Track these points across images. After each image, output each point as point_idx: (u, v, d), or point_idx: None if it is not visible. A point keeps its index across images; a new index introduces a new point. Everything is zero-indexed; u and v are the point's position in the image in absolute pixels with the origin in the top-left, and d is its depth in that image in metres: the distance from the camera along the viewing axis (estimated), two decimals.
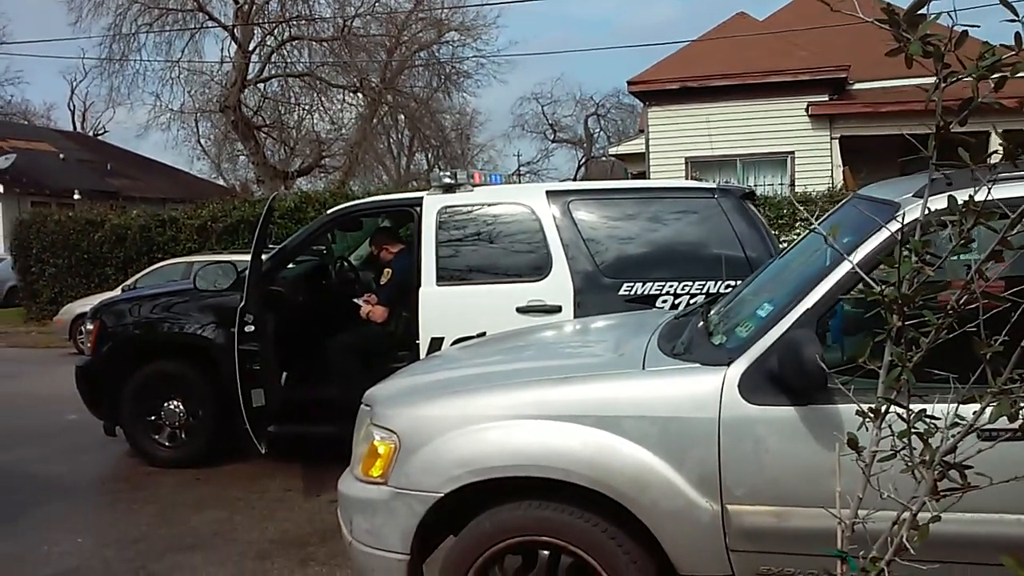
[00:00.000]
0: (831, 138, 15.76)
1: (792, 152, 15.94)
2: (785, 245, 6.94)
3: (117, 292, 12.56)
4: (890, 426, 1.81)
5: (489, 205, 6.24)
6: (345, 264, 8.17)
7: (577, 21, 68.92)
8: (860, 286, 2.81)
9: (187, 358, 6.76)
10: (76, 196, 25.16)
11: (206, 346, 6.56)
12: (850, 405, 2.59)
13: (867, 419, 1.80)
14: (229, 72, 28.32)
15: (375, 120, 32.93)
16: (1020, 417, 1.64)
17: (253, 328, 5.85)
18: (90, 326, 7.15)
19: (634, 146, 21.00)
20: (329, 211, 7.07)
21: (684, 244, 5.98)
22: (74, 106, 44.89)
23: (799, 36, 16.54)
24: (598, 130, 46.68)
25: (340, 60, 28.87)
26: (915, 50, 1.63)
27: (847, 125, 15.72)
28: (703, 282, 5.67)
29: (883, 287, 1.75)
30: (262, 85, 29.73)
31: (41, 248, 18.05)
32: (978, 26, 1.63)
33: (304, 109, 30.58)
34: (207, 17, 27.88)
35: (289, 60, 29.18)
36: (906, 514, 1.74)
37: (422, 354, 5.80)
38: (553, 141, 47.59)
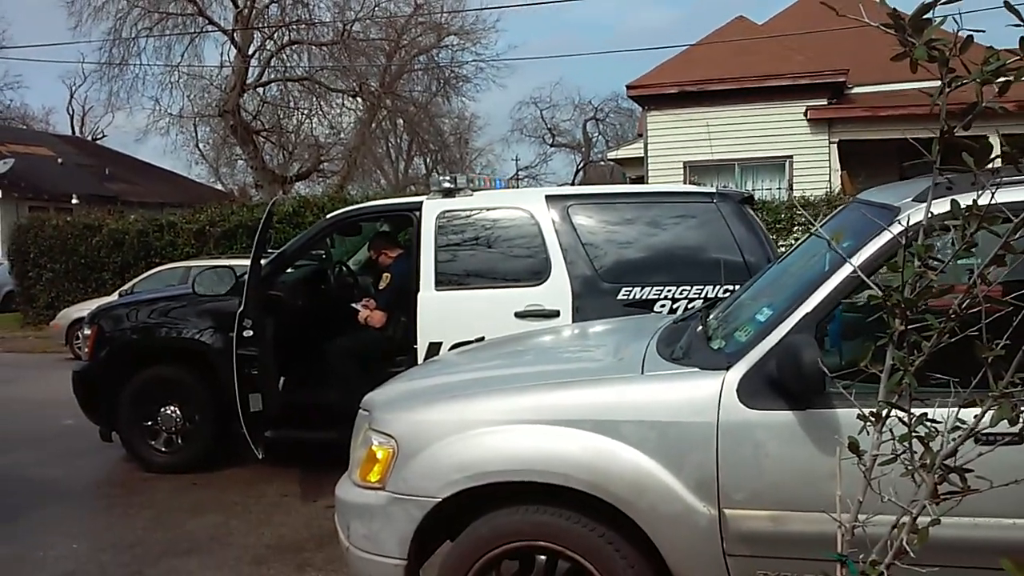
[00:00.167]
0: (829, 142, 15.77)
1: (790, 156, 15.95)
2: (783, 249, 6.94)
3: (114, 297, 12.53)
4: (891, 430, 1.80)
5: (488, 210, 6.23)
6: (344, 269, 8.17)
7: (576, 25, 69.10)
8: (864, 289, 2.83)
9: (184, 363, 6.75)
10: (74, 201, 25.13)
11: (204, 351, 6.55)
12: (848, 409, 2.59)
13: (868, 423, 1.79)
14: (228, 76, 28.35)
15: (374, 124, 32.95)
16: (1021, 421, 1.63)
17: (251, 333, 5.84)
18: (87, 331, 7.14)
19: (633, 150, 21.00)
20: (328, 216, 7.06)
21: (683, 248, 5.97)
22: (73, 110, 45.00)
23: (798, 40, 16.56)
24: (597, 134, 46.79)
25: (339, 64, 28.88)
26: (920, 55, 1.63)
27: (845, 129, 15.73)
28: (701, 286, 5.67)
29: (887, 291, 1.74)
30: (261, 89, 29.75)
31: (39, 253, 18.04)
32: (983, 31, 1.63)
33: (303, 113, 30.63)
34: (207, 21, 27.91)
35: (288, 64, 29.22)
36: (905, 518, 1.73)
37: (420, 359, 5.79)
38: (552, 145, 47.68)
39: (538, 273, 5.90)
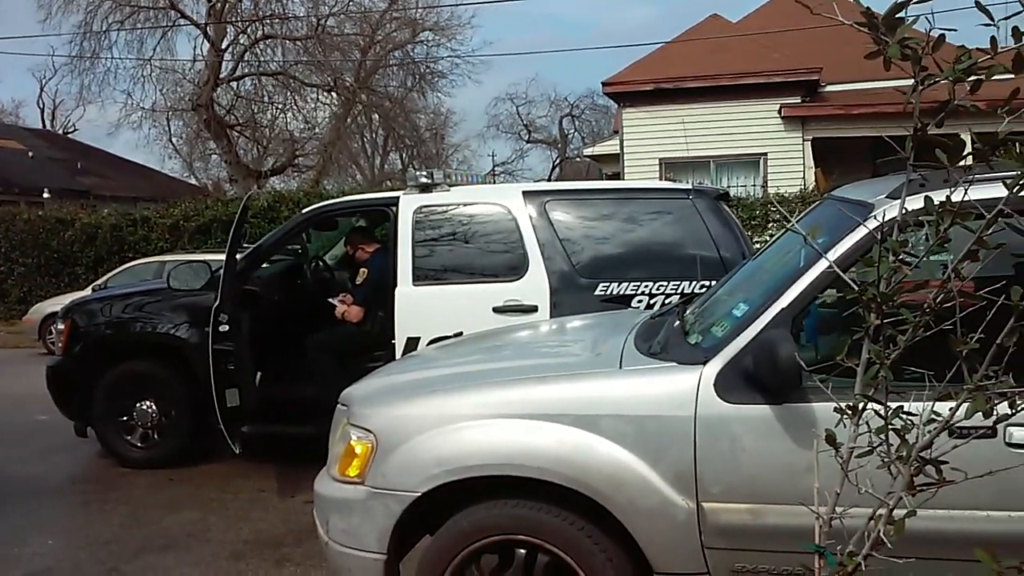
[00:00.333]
0: (803, 139, 15.90)
1: (765, 153, 16.07)
2: (758, 246, 7.00)
3: (88, 292, 12.43)
4: (867, 423, 1.84)
5: (465, 205, 6.23)
6: (320, 264, 8.14)
7: (552, 22, 69.07)
8: (839, 284, 2.87)
9: (160, 358, 6.71)
10: (45, 195, 24.85)
11: (179, 346, 6.51)
12: (824, 403, 2.62)
13: (845, 416, 1.83)
14: (201, 70, 28.11)
15: (349, 119, 32.81)
16: (994, 414, 1.66)
17: (227, 327, 5.81)
18: (61, 326, 7.08)
19: (608, 147, 21.07)
20: (304, 210, 7.04)
21: (659, 244, 6.01)
22: (43, 104, 44.47)
23: (772, 38, 16.68)
24: (572, 131, 46.81)
25: (314, 59, 28.74)
26: (893, 53, 1.65)
27: (819, 127, 15.87)
28: (678, 282, 5.71)
29: (862, 286, 1.78)
30: (235, 84, 29.54)
31: (10, 247, 17.85)
32: (955, 30, 1.66)
33: (277, 108, 30.43)
34: (179, 15, 27.67)
35: (262, 59, 29.00)
36: (882, 509, 1.76)
37: (398, 354, 5.79)
38: (528, 142, 47.66)
39: (515, 268, 5.92)
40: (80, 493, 6.32)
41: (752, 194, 15.16)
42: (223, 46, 28.01)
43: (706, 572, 2.94)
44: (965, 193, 1.69)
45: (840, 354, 1.87)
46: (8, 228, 17.91)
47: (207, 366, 5.82)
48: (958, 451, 1.84)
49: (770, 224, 13.68)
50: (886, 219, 2.59)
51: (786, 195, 13.63)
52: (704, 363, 2.95)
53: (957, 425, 1.73)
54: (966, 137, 1.71)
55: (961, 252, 1.73)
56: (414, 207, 6.17)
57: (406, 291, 5.99)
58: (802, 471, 2.69)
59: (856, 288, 1.78)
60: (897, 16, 1.67)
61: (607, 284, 5.77)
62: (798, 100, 16.00)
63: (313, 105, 31.01)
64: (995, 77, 1.64)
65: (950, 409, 1.74)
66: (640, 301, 5.70)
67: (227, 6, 27.59)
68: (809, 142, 15.85)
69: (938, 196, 1.75)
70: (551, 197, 6.17)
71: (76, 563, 4.85)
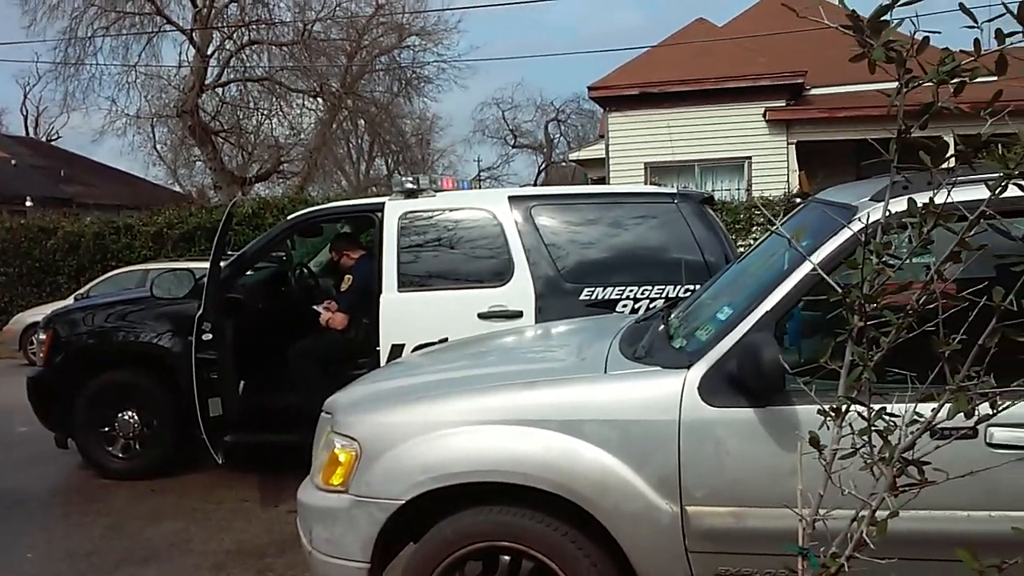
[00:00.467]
0: (788, 143, 15.95)
1: (749, 157, 16.11)
2: (743, 249, 7.01)
3: (70, 301, 12.34)
4: (851, 425, 1.83)
5: (451, 211, 6.22)
6: (305, 271, 8.10)
7: (538, 27, 69.23)
8: (822, 287, 2.87)
9: (142, 367, 6.65)
10: (28, 203, 24.73)
11: (162, 355, 6.46)
12: (807, 406, 2.62)
13: (828, 418, 1.82)
14: (187, 77, 28.02)
15: (335, 125, 32.75)
16: (976, 415, 1.66)
17: (211, 336, 5.78)
18: (43, 336, 7.01)
19: (594, 151, 21.10)
20: (289, 217, 7.02)
21: (644, 249, 6.01)
22: (27, 111, 44.18)
23: (757, 42, 16.74)
24: (558, 135, 46.91)
25: (300, 65, 28.68)
26: (878, 56, 1.65)
27: (803, 130, 15.92)
28: (663, 286, 5.71)
29: (846, 288, 1.77)
30: (220, 90, 29.45)
31: None
32: (939, 32, 1.66)
33: (263, 114, 30.34)
34: (165, 21, 27.57)
35: (248, 64, 28.94)
36: (865, 511, 1.75)
37: (383, 361, 5.76)
38: (513, 146, 47.74)
39: (501, 274, 5.90)
40: (61, 505, 6.26)
41: (737, 198, 15.20)
42: (209, 52, 27.95)
43: None
44: (948, 195, 1.68)
45: (824, 356, 1.86)
46: None
47: (190, 375, 5.78)
48: (939, 452, 1.84)
49: (754, 228, 13.71)
50: (870, 221, 2.60)
51: (771, 198, 13.66)
52: (688, 367, 2.94)
53: (939, 426, 1.72)
54: (949, 139, 1.70)
55: (944, 254, 1.72)
56: (399, 213, 6.15)
57: (391, 298, 5.97)
58: (786, 474, 2.69)
59: (840, 290, 1.77)
60: (882, 19, 1.67)
61: (592, 289, 5.76)
62: (783, 103, 16.05)
63: (299, 111, 31.01)
64: (978, 79, 1.64)
65: (932, 410, 1.74)
66: (625, 306, 5.70)
67: (213, 11, 27.52)
68: (793, 145, 15.91)
69: (921, 198, 1.75)
70: (537, 202, 6.16)
71: (56, 574, 4.79)
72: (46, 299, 16.05)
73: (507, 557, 3.09)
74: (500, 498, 3.07)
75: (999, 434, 2.55)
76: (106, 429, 6.63)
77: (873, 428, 1.74)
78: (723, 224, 6.65)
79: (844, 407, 1.79)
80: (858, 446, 1.78)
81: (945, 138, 1.69)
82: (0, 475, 6.89)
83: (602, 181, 17.60)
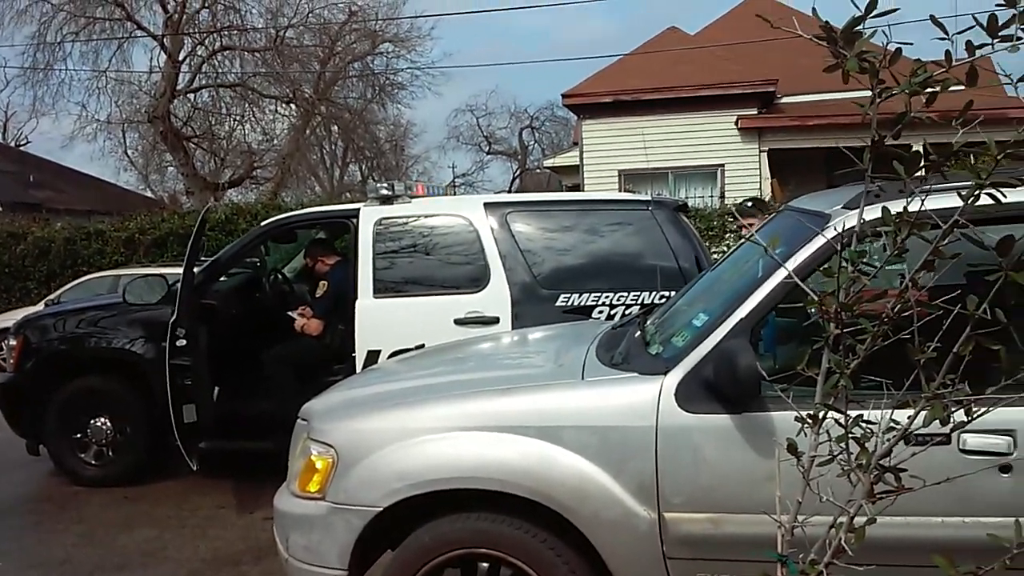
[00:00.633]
0: (760, 151, 16.09)
1: (722, 165, 16.24)
2: (716, 256, 7.07)
3: (40, 307, 12.20)
4: (828, 431, 1.85)
5: (426, 217, 6.22)
6: (279, 276, 8.07)
7: (511, 34, 69.28)
8: (797, 294, 2.90)
9: (115, 373, 6.60)
10: None
11: (135, 361, 6.42)
12: (783, 412, 2.65)
13: (805, 425, 1.84)
14: (158, 82, 27.74)
15: (308, 131, 32.58)
16: (951, 421, 1.69)
17: (185, 342, 5.74)
18: (12, 342, 6.92)
19: (568, 158, 21.17)
20: (263, 223, 6.99)
21: (620, 255, 6.05)
22: None
23: (729, 51, 16.88)
24: (533, 142, 46.90)
25: (272, 71, 28.53)
26: (852, 66, 1.68)
27: (775, 138, 16.07)
28: (638, 293, 5.74)
29: (822, 295, 1.79)
30: (192, 95, 29.18)
31: None
32: (911, 44, 1.69)
33: (235, 120, 30.08)
34: (135, 26, 27.30)
35: (220, 70, 28.67)
36: (843, 517, 1.77)
37: (359, 367, 5.75)
38: (488, 153, 47.65)
39: (477, 280, 5.91)
40: (32, 513, 6.18)
41: (710, 205, 15.30)
42: (180, 58, 27.69)
43: None
44: (922, 204, 1.71)
45: (801, 364, 1.88)
46: None
47: (163, 381, 5.74)
48: (914, 458, 1.86)
49: (727, 235, 13.80)
50: (844, 229, 2.64)
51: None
52: (665, 373, 2.96)
53: (915, 432, 1.75)
54: (919, 147, 1.74)
55: (917, 262, 1.75)
56: (375, 219, 6.15)
57: (367, 304, 5.96)
58: (762, 480, 2.72)
59: (816, 298, 1.80)
60: (855, 30, 1.70)
61: (568, 295, 5.79)
62: (755, 112, 16.20)
63: (271, 117, 30.75)
64: (951, 89, 1.67)
65: (908, 417, 1.76)
66: (601, 312, 5.73)
67: (184, 17, 27.31)
68: (766, 153, 16.05)
69: (895, 206, 1.78)
70: (512, 208, 6.18)
71: None
72: (16, 305, 15.84)
73: (486, 564, 3.10)
74: (478, 505, 3.07)
75: (972, 440, 2.58)
76: (79, 436, 6.58)
77: (850, 435, 1.76)
78: (697, 231, 6.70)
79: (821, 414, 1.81)
80: (835, 453, 1.80)
81: (915, 147, 1.72)
82: None
83: (577, 188, 17.67)
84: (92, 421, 6.56)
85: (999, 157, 1.64)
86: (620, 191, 15.13)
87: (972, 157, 1.68)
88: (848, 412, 1.78)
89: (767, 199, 14.50)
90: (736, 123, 16.00)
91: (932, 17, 1.71)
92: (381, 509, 3.10)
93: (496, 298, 5.82)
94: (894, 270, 1.84)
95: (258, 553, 5.01)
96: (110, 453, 6.61)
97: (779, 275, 2.85)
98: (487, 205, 6.16)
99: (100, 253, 16.67)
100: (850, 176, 2.93)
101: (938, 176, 1.76)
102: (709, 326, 3.02)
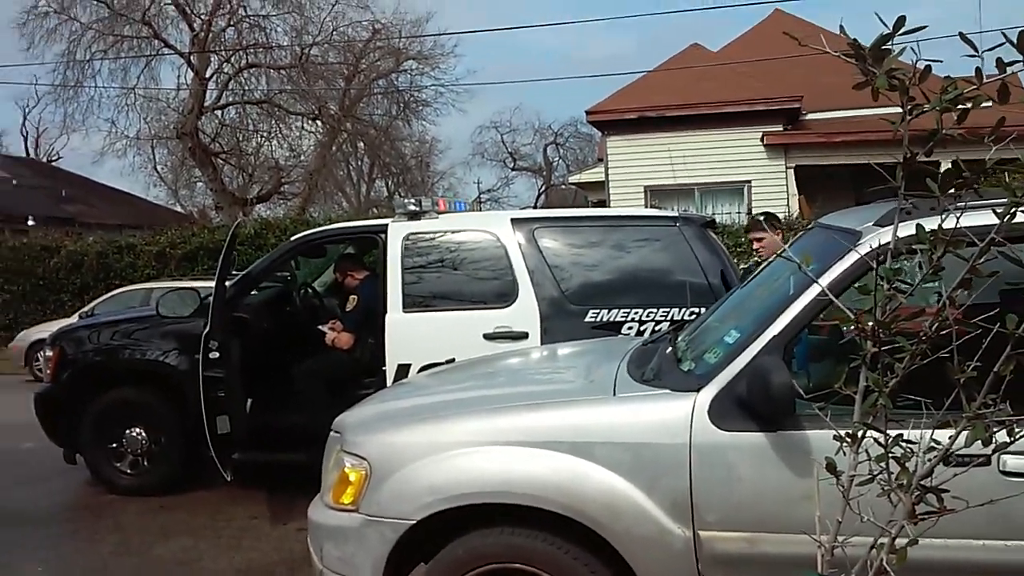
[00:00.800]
0: (786, 167, 16.04)
1: (749, 181, 16.19)
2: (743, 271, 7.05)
3: (75, 319, 12.37)
4: (867, 451, 1.85)
5: (454, 232, 6.27)
6: (309, 291, 8.14)
7: (534, 52, 69.53)
8: (830, 311, 2.90)
9: (149, 385, 6.68)
10: (30, 222, 24.75)
11: (169, 373, 6.50)
12: (818, 431, 2.64)
13: (844, 444, 1.83)
14: (186, 99, 28.07)
15: (334, 147, 32.82)
16: (994, 441, 1.68)
17: (218, 354, 5.80)
18: (49, 353, 7.05)
19: (594, 174, 21.18)
20: (293, 238, 7.06)
21: (648, 271, 6.05)
22: (27, 132, 44.11)
23: (753, 67, 16.85)
24: (557, 158, 46.95)
25: (298, 88, 28.78)
26: (881, 83, 1.69)
27: (801, 154, 16.01)
28: (667, 309, 5.74)
29: (859, 313, 1.80)
30: (220, 112, 29.50)
31: None
32: (941, 61, 1.70)
33: (262, 136, 30.36)
34: (163, 44, 27.67)
35: (247, 87, 29.00)
36: (884, 538, 1.76)
37: (388, 381, 5.78)
38: (513, 169, 47.76)
39: (505, 295, 5.94)
40: (70, 521, 6.25)
41: (737, 221, 15.25)
42: (207, 75, 28.01)
43: None
44: (958, 221, 1.72)
45: (837, 382, 1.88)
46: None
47: (197, 393, 5.81)
48: (954, 479, 1.84)
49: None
50: (879, 246, 2.64)
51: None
52: (697, 390, 2.96)
53: (956, 453, 1.74)
54: (947, 165, 1.75)
55: (952, 279, 1.75)
56: (403, 234, 6.20)
57: (396, 318, 6.01)
58: (798, 498, 2.69)
59: (852, 316, 1.81)
60: (883, 47, 1.71)
61: (597, 311, 5.80)
62: (780, 128, 16.15)
63: (298, 133, 31.03)
64: (981, 106, 1.68)
65: (950, 437, 1.75)
66: (630, 328, 5.74)
67: (211, 35, 27.64)
68: (792, 169, 15.99)
69: (928, 223, 1.78)
70: (540, 224, 6.21)
71: None
72: (50, 316, 16.09)
73: None
74: (510, 519, 3.08)
75: (1012, 462, 2.54)
76: (114, 445, 6.65)
77: (890, 455, 1.76)
78: (724, 247, 6.71)
79: (860, 433, 1.80)
80: (875, 473, 1.78)
81: (943, 164, 1.74)
82: (9, 491, 6.89)
83: (602, 204, 17.67)
84: (127, 431, 6.63)
85: None
86: (646, 207, 15.13)
87: (1007, 175, 1.69)
88: (888, 431, 1.79)
89: (794, 215, 14.49)
90: (762, 139, 15.96)
91: (961, 34, 1.72)
92: (414, 522, 3.11)
93: (525, 313, 5.84)
94: (930, 288, 1.84)
95: (291, 564, 5.03)
96: (145, 463, 6.68)
97: (812, 292, 2.85)
98: (514, 221, 6.20)
99: (132, 266, 16.90)
100: (882, 193, 2.93)
101: (971, 193, 1.76)
102: (742, 343, 3.01)
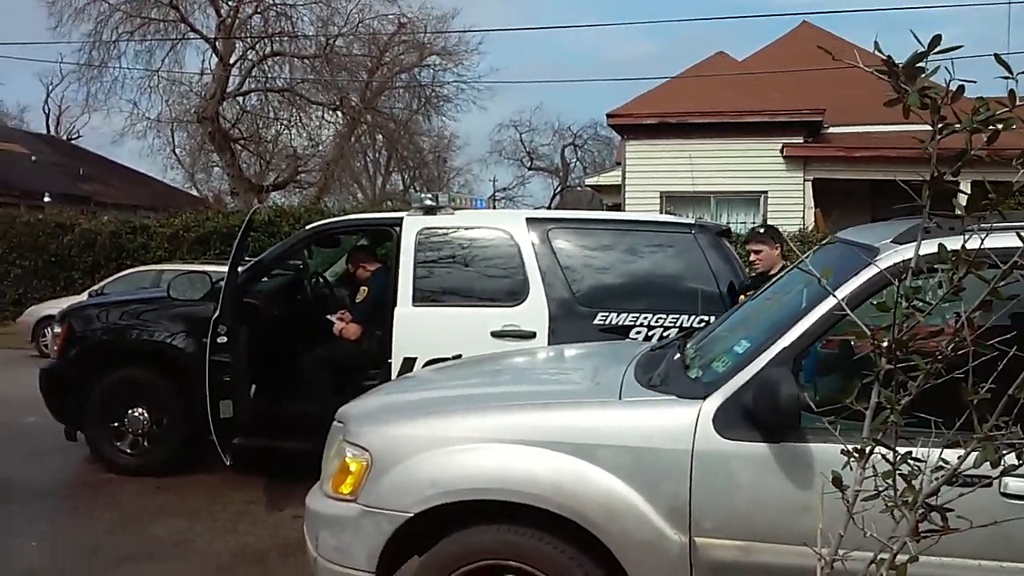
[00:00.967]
0: (804, 179, 15.98)
1: (765, 192, 16.15)
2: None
3: (84, 296, 12.42)
4: (874, 466, 1.84)
5: (468, 229, 6.26)
6: (321, 280, 8.15)
7: (558, 52, 69.57)
8: (842, 325, 2.88)
9: (155, 366, 6.69)
10: (46, 199, 24.88)
11: (176, 355, 6.51)
12: (822, 444, 2.64)
13: (852, 459, 1.83)
14: (208, 84, 28.19)
15: (353, 139, 32.92)
16: (1002, 463, 1.67)
17: (226, 339, 5.80)
18: (58, 329, 7.07)
19: (610, 178, 21.19)
20: (308, 227, 7.07)
21: (660, 277, 6.04)
22: (49, 109, 44.49)
23: (776, 78, 16.81)
24: (575, 160, 47.04)
25: (321, 78, 28.86)
26: (913, 101, 1.68)
27: (820, 168, 15.95)
28: (677, 315, 5.72)
29: (875, 330, 1.78)
30: (241, 98, 29.59)
31: (8, 249, 17.86)
32: (974, 82, 1.69)
33: (282, 124, 30.46)
34: (189, 28, 27.78)
35: (270, 75, 29.07)
36: (884, 554, 1.76)
37: (394, 373, 5.79)
38: (529, 169, 47.87)
39: (515, 294, 5.93)
40: (68, 497, 6.27)
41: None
42: (231, 61, 28.12)
43: None
44: (982, 242, 1.70)
45: (848, 397, 1.87)
46: (7, 230, 17.92)
47: (202, 376, 5.81)
48: (953, 499, 1.83)
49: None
50: (899, 263, 2.62)
51: (786, 234, 13.67)
52: (704, 398, 2.95)
53: (965, 473, 1.73)
54: (965, 185, 1.73)
55: (968, 300, 1.74)
56: (417, 228, 6.19)
57: (405, 311, 6.00)
58: (797, 511, 2.71)
59: (868, 332, 1.79)
60: (917, 65, 1.70)
61: (606, 314, 5.78)
62: (800, 140, 16.09)
63: (318, 123, 31.09)
64: (1012, 128, 1.66)
65: (959, 457, 1.74)
66: (638, 332, 5.72)
67: (237, 22, 27.74)
68: (810, 182, 15.94)
69: (951, 243, 1.77)
70: (555, 225, 6.20)
71: (59, 568, 4.83)
72: (60, 293, 16.16)
73: None
74: (508, 516, 3.07)
75: (1014, 484, 2.52)
76: (116, 425, 6.66)
77: (898, 472, 1.74)
78: (739, 257, 6.68)
79: (868, 449, 1.79)
80: (881, 488, 1.78)
81: (962, 184, 1.72)
82: (9, 464, 6.91)
83: (618, 207, 17.66)
84: (130, 411, 6.63)
85: None
86: (661, 212, 15.11)
87: None
88: (896, 448, 1.77)
89: (810, 228, 14.43)
90: (781, 151, 15.91)
91: (996, 56, 1.71)
92: (412, 515, 3.11)
93: (534, 313, 5.83)
94: (948, 308, 1.82)
95: (285, 550, 5.04)
96: (146, 443, 6.69)
97: (825, 305, 2.84)
98: (529, 220, 6.19)
99: (144, 247, 16.96)
100: (908, 210, 2.90)
101: (995, 215, 1.74)
102: (751, 353, 3.00)
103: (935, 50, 1.71)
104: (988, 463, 1.67)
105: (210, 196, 34.85)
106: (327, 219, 7.42)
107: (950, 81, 1.68)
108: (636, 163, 16.94)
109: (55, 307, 11.78)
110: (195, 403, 6.04)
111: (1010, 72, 1.66)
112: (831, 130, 16.78)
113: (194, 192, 36.04)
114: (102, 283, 14.38)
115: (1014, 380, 1.69)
